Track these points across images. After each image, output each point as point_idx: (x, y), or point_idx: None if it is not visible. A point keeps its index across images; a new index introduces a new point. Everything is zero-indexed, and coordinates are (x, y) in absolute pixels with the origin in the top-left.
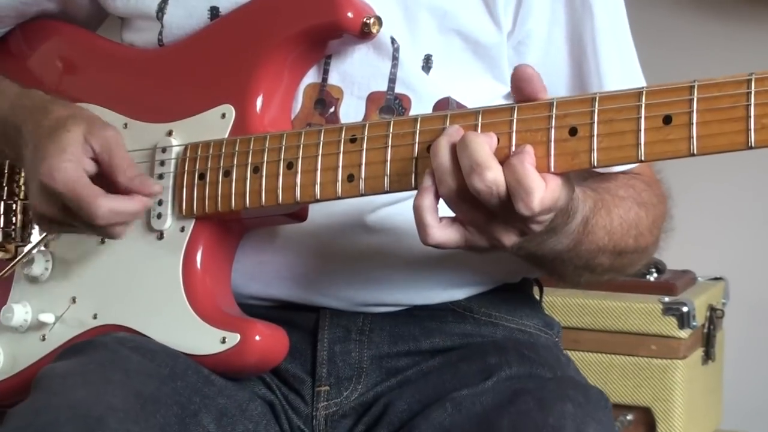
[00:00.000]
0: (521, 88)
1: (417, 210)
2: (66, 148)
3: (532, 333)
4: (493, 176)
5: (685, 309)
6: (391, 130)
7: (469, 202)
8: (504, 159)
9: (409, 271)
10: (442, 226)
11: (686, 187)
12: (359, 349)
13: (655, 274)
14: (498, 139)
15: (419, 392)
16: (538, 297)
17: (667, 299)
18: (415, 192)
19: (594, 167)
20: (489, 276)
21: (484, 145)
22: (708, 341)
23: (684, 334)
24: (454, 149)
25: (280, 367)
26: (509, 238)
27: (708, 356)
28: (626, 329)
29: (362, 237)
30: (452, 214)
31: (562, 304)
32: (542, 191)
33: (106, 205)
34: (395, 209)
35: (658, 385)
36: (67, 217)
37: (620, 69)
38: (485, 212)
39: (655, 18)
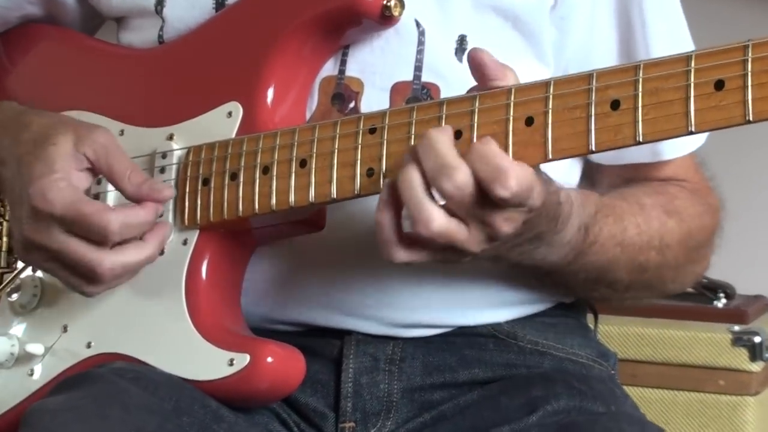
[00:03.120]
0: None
1: (377, 226)
2: (54, 165)
3: (584, 364)
4: (463, 177)
5: (757, 339)
6: (414, 117)
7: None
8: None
9: (444, 286)
10: (407, 241)
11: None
12: (389, 381)
13: (724, 300)
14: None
15: (456, 429)
16: (591, 325)
17: (737, 328)
18: None
19: (639, 142)
20: (537, 294)
21: (449, 145)
22: None
23: (756, 367)
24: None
25: (299, 400)
26: (479, 246)
27: None
28: (691, 362)
29: None
30: None
31: (619, 334)
32: (518, 169)
33: (116, 219)
34: None
35: (726, 424)
36: (63, 247)
37: (671, 44)
38: (452, 217)
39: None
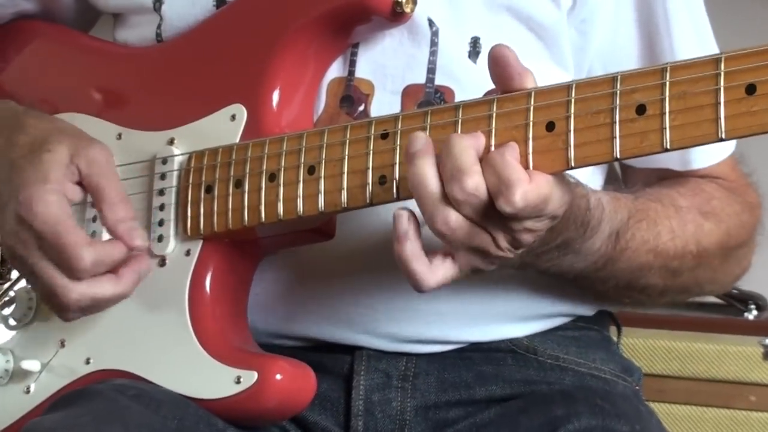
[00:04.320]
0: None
1: (400, 260)
2: (48, 174)
3: (607, 379)
4: (474, 183)
5: None
6: (429, 121)
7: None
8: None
9: (460, 300)
10: (434, 267)
11: None
12: (401, 398)
13: (755, 312)
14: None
15: None
16: (615, 338)
17: None
18: None
19: (667, 149)
20: (558, 306)
21: (468, 149)
22: None
23: None
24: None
25: (308, 419)
26: (502, 253)
27: None
28: (720, 377)
29: None
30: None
31: (645, 347)
32: (525, 184)
33: (89, 257)
34: None
35: None
36: (36, 265)
37: (697, 45)
38: (472, 224)
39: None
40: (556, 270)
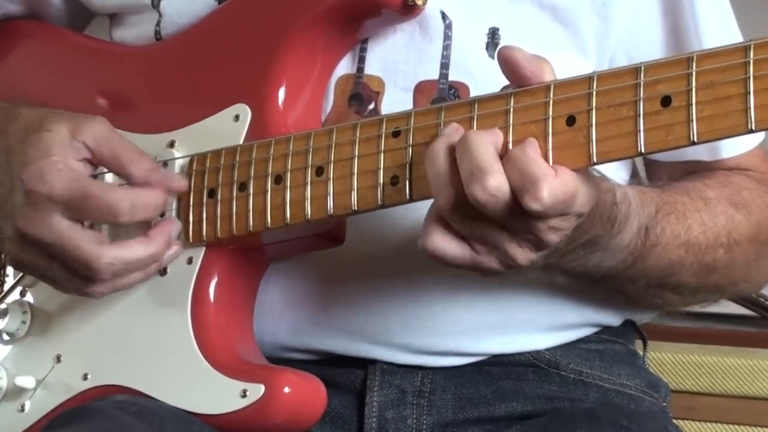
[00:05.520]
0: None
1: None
2: (51, 150)
3: (632, 396)
4: (496, 183)
5: None
6: (442, 118)
7: (471, 216)
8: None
9: (478, 309)
10: (445, 233)
11: None
12: (417, 415)
13: None
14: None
15: None
16: (641, 352)
17: None
18: None
19: (694, 142)
20: (582, 314)
21: (487, 146)
22: None
23: None
24: (452, 152)
25: None
26: (524, 254)
27: None
28: (753, 393)
29: (418, 265)
30: None
31: (673, 362)
32: (552, 179)
33: (126, 197)
34: None
35: None
36: (59, 238)
37: (723, 31)
38: (491, 225)
39: None
40: (582, 270)
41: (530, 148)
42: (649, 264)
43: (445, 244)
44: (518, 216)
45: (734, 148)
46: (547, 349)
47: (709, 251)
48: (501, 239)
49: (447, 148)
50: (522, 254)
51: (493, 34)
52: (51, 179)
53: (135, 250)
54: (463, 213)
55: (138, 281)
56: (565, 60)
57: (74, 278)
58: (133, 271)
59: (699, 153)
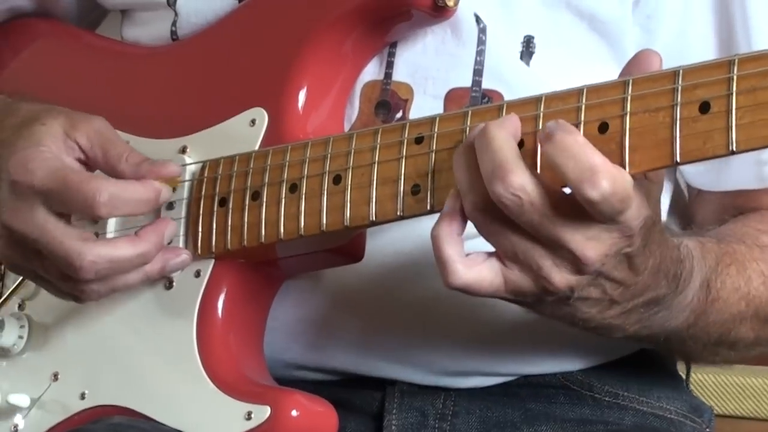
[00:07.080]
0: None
1: (432, 242)
2: (41, 140)
3: (673, 420)
4: (519, 181)
5: None
6: (468, 124)
7: (499, 222)
8: None
9: (505, 328)
10: (470, 261)
11: None
12: None
13: None
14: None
15: None
16: (683, 374)
17: None
18: None
19: (733, 152)
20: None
21: (509, 141)
22: None
23: None
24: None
25: None
26: (560, 275)
27: None
28: None
29: (440, 279)
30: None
31: (716, 384)
32: (611, 168)
33: (105, 188)
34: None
35: None
36: (41, 233)
37: None
38: (521, 235)
39: None
40: (648, 332)
41: (575, 131)
42: (711, 320)
43: (473, 273)
44: (548, 221)
45: None
46: (580, 371)
47: None
48: (533, 253)
49: (470, 147)
50: (558, 274)
51: (528, 42)
52: (33, 167)
53: (121, 248)
54: (491, 216)
55: (135, 284)
56: (603, 72)
57: (60, 280)
58: (122, 271)
59: (746, 181)
